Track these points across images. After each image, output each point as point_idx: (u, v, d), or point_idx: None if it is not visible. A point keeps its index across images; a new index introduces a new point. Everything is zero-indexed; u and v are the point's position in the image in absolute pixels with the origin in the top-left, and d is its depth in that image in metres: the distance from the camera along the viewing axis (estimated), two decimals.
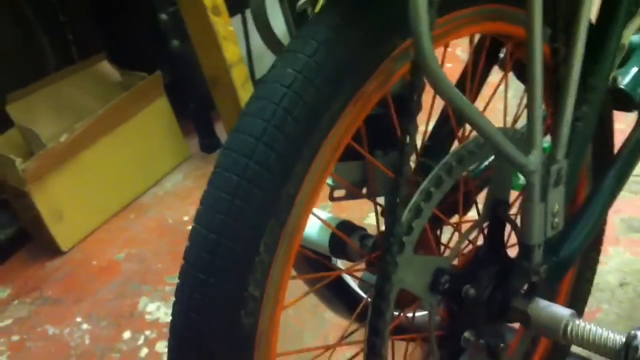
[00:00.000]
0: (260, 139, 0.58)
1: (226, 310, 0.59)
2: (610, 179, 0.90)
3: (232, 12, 1.76)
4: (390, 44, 0.65)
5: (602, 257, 1.47)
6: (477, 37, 0.86)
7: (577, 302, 1.02)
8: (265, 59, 2.08)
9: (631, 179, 1.67)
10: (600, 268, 1.45)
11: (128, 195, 1.92)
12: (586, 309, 1.39)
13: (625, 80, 1.01)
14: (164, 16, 1.81)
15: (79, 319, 1.62)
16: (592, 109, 0.83)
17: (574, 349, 1.13)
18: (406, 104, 0.65)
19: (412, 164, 0.86)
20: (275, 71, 0.61)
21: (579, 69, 0.75)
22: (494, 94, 0.86)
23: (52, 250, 1.80)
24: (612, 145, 0.99)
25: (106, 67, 1.90)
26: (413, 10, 0.55)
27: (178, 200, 1.95)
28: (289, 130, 0.59)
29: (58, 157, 1.74)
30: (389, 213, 0.69)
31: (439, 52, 0.76)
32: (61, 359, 1.53)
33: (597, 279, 1.44)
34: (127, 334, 1.55)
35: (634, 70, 1.02)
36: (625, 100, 1.00)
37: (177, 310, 0.60)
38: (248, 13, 1.71)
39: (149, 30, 1.89)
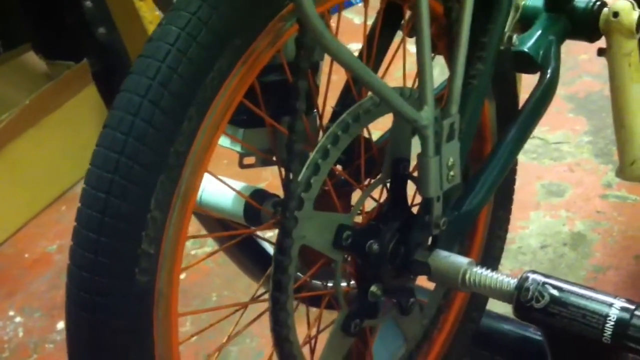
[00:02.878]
0: (145, 97, 0.59)
1: (119, 268, 0.60)
2: (512, 134, 0.94)
3: None
4: (277, 3, 0.66)
5: (523, 222, 1.54)
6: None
7: (490, 259, 1.06)
8: None
9: (552, 146, 1.76)
10: (522, 232, 1.52)
11: (59, 187, 1.90)
12: (508, 271, 1.45)
13: (528, 44, 1.04)
14: (88, 3, 1.78)
15: (11, 313, 1.59)
16: (485, 67, 0.86)
17: (491, 307, 1.18)
18: (295, 62, 0.67)
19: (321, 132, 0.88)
20: (160, 29, 0.62)
21: (469, 26, 0.78)
22: (393, 56, 0.89)
23: None
24: (516, 104, 1.03)
25: (32, 58, 1.87)
26: None
27: None
28: (174, 87, 0.60)
29: None
30: (287, 169, 0.70)
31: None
32: None
33: (520, 242, 1.50)
34: (60, 325, 1.54)
35: (536, 34, 1.05)
36: (528, 62, 1.03)
37: (70, 272, 0.60)
38: None
39: (75, 19, 1.87)
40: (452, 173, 0.79)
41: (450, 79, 0.79)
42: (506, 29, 0.88)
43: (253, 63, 0.66)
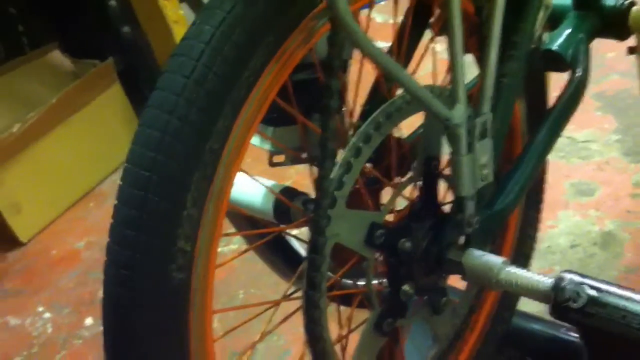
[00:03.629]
0: (181, 95, 0.60)
1: (156, 265, 0.60)
2: (542, 134, 0.93)
3: None
4: (310, 1, 0.66)
5: (552, 221, 1.53)
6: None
7: (520, 258, 1.05)
8: None
9: (580, 145, 1.74)
10: (551, 231, 1.50)
11: (86, 184, 1.92)
12: (538, 271, 1.43)
13: (557, 42, 1.03)
14: (113, 3, 1.80)
15: (40, 309, 1.61)
16: (517, 65, 0.85)
17: (522, 306, 1.17)
18: (328, 60, 0.67)
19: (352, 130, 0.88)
20: (194, 28, 0.62)
21: (500, 25, 0.78)
22: (425, 52, 0.88)
23: (11, 242, 1.80)
24: (546, 103, 1.02)
25: (58, 56, 1.89)
26: None
27: None
28: (210, 86, 0.60)
29: (12, 149, 1.73)
30: (320, 168, 0.70)
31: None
32: (23, 349, 1.53)
33: (549, 242, 1.49)
34: (89, 321, 1.55)
35: (565, 32, 1.04)
36: (557, 61, 1.02)
37: (107, 269, 0.61)
38: None
39: (100, 18, 1.89)
40: (484, 172, 0.78)
41: (482, 78, 0.78)
42: (536, 28, 0.87)
43: (286, 61, 0.66)
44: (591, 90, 1.82)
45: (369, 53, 0.64)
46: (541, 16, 0.88)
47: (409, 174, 0.88)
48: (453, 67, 0.73)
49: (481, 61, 0.80)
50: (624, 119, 1.75)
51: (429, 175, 0.82)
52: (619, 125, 1.74)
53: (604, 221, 1.52)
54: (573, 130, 1.74)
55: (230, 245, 1.61)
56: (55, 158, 1.84)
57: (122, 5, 1.79)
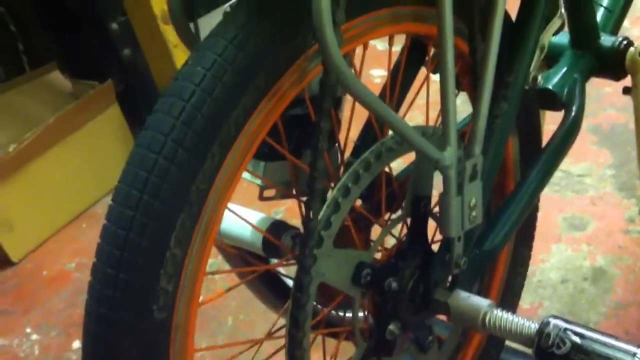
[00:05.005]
0: (169, 136, 0.60)
1: (137, 305, 0.60)
2: (535, 173, 0.93)
3: None
4: (302, 44, 0.66)
5: (544, 255, 1.52)
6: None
7: (510, 296, 1.04)
8: None
9: (575, 179, 1.74)
10: (542, 265, 1.50)
11: (80, 204, 1.91)
12: (528, 305, 1.43)
13: (553, 81, 1.04)
14: (114, 25, 1.81)
15: (28, 330, 1.60)
16: (510, 107, 0.85)
17: (510, 343, 1.16)
18: (319, 101, 0.67)
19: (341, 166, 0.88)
20: (185, 69, 0.62)
21: (494, 66, 0.78)
22: (417, 93, 0.89)
23: (2, 261, 1.79)
24: (539, 141, 1.02)
25: (57, 76, 1.90)
26: (316, 11, 0.57)
27: None
28: (198, 127, 0.60)
29: (7, 168, 1.73)
30: (307, 207, 0.70)
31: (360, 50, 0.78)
32: None
33: (540, 276, 1.49)
34: (77, 344, 1.54)
35: (561, 71, 1.05)
36: (552, 100, 1.03)
37: (88, 308, 0.60)
38: (199, 21, 1.73)
39: (100, 40, 1.89)
40: (474, 213, 0.78)
41: (474, 119, 0.78)
42: (531, 69, 0.88)
43: (277, 101, 0.67)
44: (587, 123, 1.84)
45: (359, 98, 0.64)
46: (536, 57, 0.89)
47: (399, 211, 0.88)
48: (444, 109, 0.73)
49: (474, 102, 0.81)
50: (619, 154, 1.75)
51: (418, 215, 0.82)
52: (614, 160, 1.75)
53: (595, 256, 1.52)
54: (569, 163, 1.74)
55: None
56: (50, 177, 1.84)
57: (123, 29, 1.80)
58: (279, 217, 1.67)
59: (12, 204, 1.77)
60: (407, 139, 0.70)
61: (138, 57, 1.81)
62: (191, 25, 0.75)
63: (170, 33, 1.73)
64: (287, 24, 0.65)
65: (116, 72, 1.91)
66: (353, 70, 0.79)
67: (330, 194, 0.76)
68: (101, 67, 1.94)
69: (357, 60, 0.81)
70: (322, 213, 0.72)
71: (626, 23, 1.39)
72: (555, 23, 0.90)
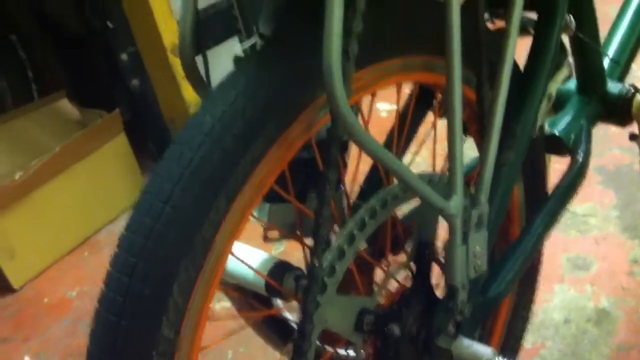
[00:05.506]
0: (177, 185, 0.60)
1: (137, 350, 0.59)
2: (539, 220, 0.93)
3: None
4: (310, 94, 0.67)
5: (547, 295, 1.52)
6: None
7: (511, 339, 1.04)
8: None
9: (579, 219, 1.74)
10: (545, 305, 1.49)
11: (83, 232, 1.92)
12: (530, 345, 1.42)
13: (559, 127, 1.04)
14: (124, 56, 1.83)
15: (26, 358, 1.60)
16: (517, 156, 0.85)
17: None
18: (326, 150, 0.67)
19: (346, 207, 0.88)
20: (196, 118, 0.63)
21: (502, 117, 0.79)
22: (422, 143, 0.89)
23: (3, 287, 1.78)
24: (545, 187, 1.02)
25: (65, 104, 1.91)
26: (327, 65, 0.58)
27: None
28: (205, 176, 0.61)
29: (12, 195, 1.73)
30: (312, 254, 0.70)
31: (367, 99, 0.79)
32: None
33: (542, 316, 1.48)
34: None
35: (568, 116, 1.05)
36: (558, 145, 1.03)
37: (89, 353, 0.60)
38: (209, 53, 1.75)
39: (110, 69, 1.91)
40: (478, 262, 0.78)
41: (481, 168, 0.78)
42: (538, 118, 0.88)
43: (285, 150, 0.67)
44: (593, 163, 1.83)
45: (366, 148, 0.64)
46: (544, 106, 0.89)
47: (403, 255, 0.88)
48: (451, 159, 0.73)
49: (481, 150, 0.81)
50: (624, 195, 1.75)
51: (423, 261, 0.82)
52: (619, 200, 1.75)
53: (599, 297, 1.51)
54: (574, 203, 1.73)
55: (222, 301, 1.60)
56: (55, 205, 1.84)
57: (133, 59, 1.82)
58: (281, 249, 1.67)
59: (16, 230, 1.77)
60: (412, 188, 0.70)
61: (146, 87, 1.83)
62: (199, 63, 0.75)
63: (179, 65, 1.74)
64: (297, 75, 0.66)
65: (124, 102, 1.93)
66: (360, 115, 0.80)
67: (334, 237, 0.76)
68: (109, 96, 1.96)
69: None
70: (326, 260, 0.72)
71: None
72: (563, 73, 0.91)
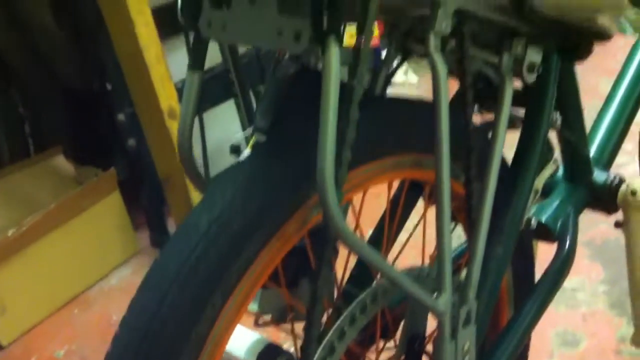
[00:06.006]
0: (174, 282, 0.61)
1: None
2: (528, 311, 0.94)
3: None
4: (303, 195, 0.69)
5: None
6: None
7: None
8: (221, 158, 2.12)
9: (568, 294, 1.75)
10: None
11: (74, 289, 1.92)
12: None
13: (546, 214, 1.06)
14: (121, 116, 1.86)
15: None
16: (505, 251, 0.87)
17: None
18: (318, 244, 0.68)
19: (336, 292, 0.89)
20: (192, 218, 0.64)
21: (489, 213, 0.80)
22: (411, 234, 0.90)
23: None
24: (532, 276, 1.04)
25: (61, 161, 1.93)
26: (320, 172, 0.60)
27: (124, 294, 1.94)
28: (202, 276, 0.62)
29: (4, 251, 1.73)
30: (304, 346, 0.71)
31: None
32: None
33: None
34: None
35: (555, 204, 1.07)
36: (546, 233, 1.05)
37: None
38: (205, 115, 1.77)
39: (107, 128, 1.94)
40: (467, 357, 0.79)
41: (469, 265, 0.80)
42: (525, 212, 0.90)
43: (279, 248, 0.68)
44: (581, 237, 1.85)
45: (355, 249, 0.66)
46: (530, 200, 0.91)
47: (392, 345, 0.88)
48: (439, 257, 0.75)
49: (468, 245, 0.83)
50: (612, 270, 1.77)
51: (413, 353, 0.83)
52: (606, 275, 1.76)
53: None
54: None
55: None
56: (48, 261, 1.84)
57: (130, 120, 1.85)
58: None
59: (7, 287, 1.77)
60: (402, 287, 0.72)
61: (142, 147, 1.85)
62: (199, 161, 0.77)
63: (174, 127, 1.77)
64: (293, 174, 0.68)
65: (120, 161, 1.95)
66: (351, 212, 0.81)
67: (324, 329, 0.77)
68: (105, 154, 1.98)
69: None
70: (317, 356, 0.73)
71: None
72: (550, 168, 0.93)
